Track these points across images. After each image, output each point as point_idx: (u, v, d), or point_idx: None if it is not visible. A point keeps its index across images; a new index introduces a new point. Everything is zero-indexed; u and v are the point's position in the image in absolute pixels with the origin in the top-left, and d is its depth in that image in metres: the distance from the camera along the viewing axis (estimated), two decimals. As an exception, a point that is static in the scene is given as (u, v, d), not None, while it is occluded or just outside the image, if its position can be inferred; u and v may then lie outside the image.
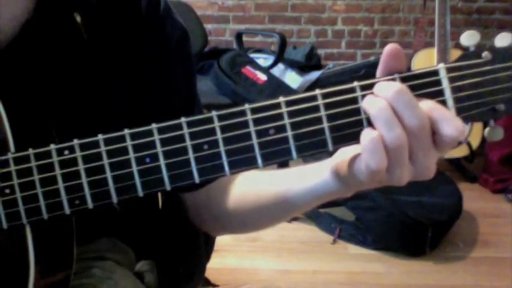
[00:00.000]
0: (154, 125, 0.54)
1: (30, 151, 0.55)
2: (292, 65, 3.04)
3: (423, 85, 0.53)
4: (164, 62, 0.75)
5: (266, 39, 3.60)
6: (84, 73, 0.69)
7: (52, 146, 0.55)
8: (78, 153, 0.55)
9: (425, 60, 2.80)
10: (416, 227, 2.12)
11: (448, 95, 0.53)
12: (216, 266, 1.78)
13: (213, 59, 2.82)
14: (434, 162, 0.54)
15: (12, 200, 0.55)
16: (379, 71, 0.55)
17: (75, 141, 0.55)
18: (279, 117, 0.53)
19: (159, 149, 0.54)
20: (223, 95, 2.63)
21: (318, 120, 0.53)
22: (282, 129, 0.53)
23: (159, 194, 0.80)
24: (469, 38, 0.55)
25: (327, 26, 3.69)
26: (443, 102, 0.53)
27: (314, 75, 2.87)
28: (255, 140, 0.53)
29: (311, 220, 2.40)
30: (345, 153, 0.57)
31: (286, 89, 2.60)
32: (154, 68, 0.74)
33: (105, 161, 0.55)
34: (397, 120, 0.51)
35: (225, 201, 0.74)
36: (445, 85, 0.53)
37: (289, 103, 0.53)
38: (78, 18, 0.68)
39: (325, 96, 0.53)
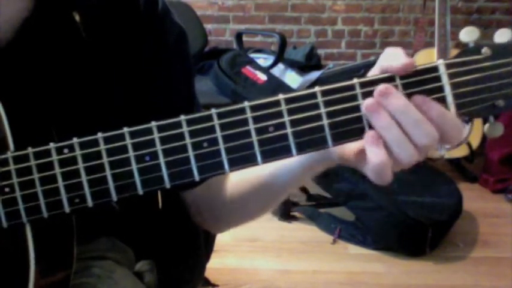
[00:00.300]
0: (153, 123, 0.54)
1: (30, 150, 0.55)
2: (292, 65, 3.03)
3: (423, 81, 0.53)
4: (164, 61, 0.75)
5: (266, 39, 3.60)
6: (83, 72, 0.69)
7: (51, 145, 0.55)
8: (78, 152, 0.55)
9: (425, 60, 2.75)
10: (416, 227, 2.12)
11: (448, 91, 0.53)
12: (216, 266, 1.78)
13: (213, 59, 2.82)
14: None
15: (12, 198, 0.55)
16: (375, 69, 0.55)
17: (75, 140, 0.55)
18: (279, 114, 0.53)
19: (159, 147, 0.54)
20: (223, 95, 2.63)
21: (318, 117, 0.53)
22: (281, 126, 0.53)
23: (159, 194, 0.80)
24: (469, 34, 0.55)
25: (327, 26, 3.69)
26: (443, 99, 0.53)
27: (314, 75, 2.86)
28: (254, 138, 0.54)
29: (311, 220, 2.40)
30: None
31: (286, 89, 2.59)
32: (154, 67, 0.74)
33: (105, 160, 0.55)
34: (407, 140, 0.52)
35: (221, 192, 0.74)
36: (445, 81, 0.53)
37: (288, 100, 0.53)
38: (77, 18, 0.68)
39: (324, 93, 0.53)
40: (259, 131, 0.54)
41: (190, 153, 0.54)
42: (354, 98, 0.53)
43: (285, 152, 0.54)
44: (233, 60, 2.69)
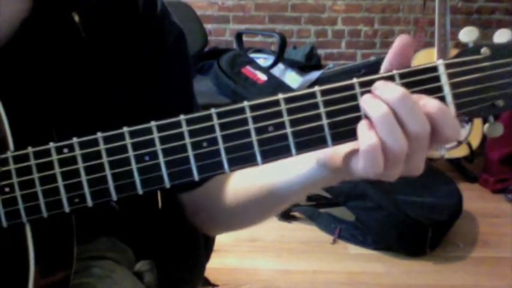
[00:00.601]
0: (153, 123, 0.54)
1: (30, 149, 0.55)
2: (292, 65, 3.04)
3: (422, 81, 0.53)
4: (163, 61, 0.75)
5: (266, 39, 3.60)
6: (82, 72, 0.69)
7: (51, 144, 0.55)
8: (78, 152, 0.55)
9: (425, 60, 2.77)
10: (416, 227, 2.12)
11: (447, 91, 0.53)
12: (216, 266, 1.78)
13: (213, 59, 2.82)
14: (424, 160, 0.54)
15: (11, 198, 0.55)
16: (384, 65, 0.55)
17: (75, 140, 0.55)
18: (278, 114, 0.53)
19: (159, 147, 0.54)
20: (223, 95, 2.63)
21: (317, 117, 0.53)
22: (281, 126, 0.53)
23: (159, 194, 0.80)
24: (468, 34, 0.55)
25: (327, 26, 3.69)
26: (442, 98, 0.53)
27: (314, 75, 2.87)
28: (254, 137, 0.53)
29: (311, 220, 2.40)
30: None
31: (286, 89, 2.60)
32: (154, 67, 0.74)
33: (105, 159, 0.55)
34: (399, 128, 0.51)
35: (220, 198, 0.74)
36: (444, 81, 0.53)
37: (288, 100, 0.53)
38: (77, 18, 0.68)
39: (324, 93, 0.53)
40: (259, 131, 0.53)
41: (190, 152, 0.54)
42: (353, 97, 0.53)
43: (284, 152, 0.54)
44: (233, 60, 2.69)
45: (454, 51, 2.77)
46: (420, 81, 0.53)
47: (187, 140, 0.54)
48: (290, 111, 0.53)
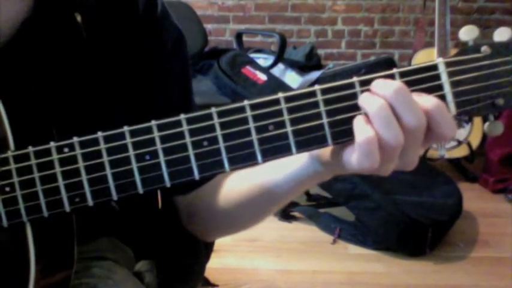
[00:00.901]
0: (153, 122, 0.54)
1: (30, 149, 0.55)
2: (292, 65, 3.04)
3: (422, 80, 0.53)
4: (163, 62, 0.75)
5: (266, 39, 3.60)
6: (83, 72, 0.70)
7: (52, 144, 0.55)
8: (78, 151, 0.55)
9: (425, 60, 2.79)
10: (416, 227, 2.12)
11: (447, 90, 0.53)
12: (216, 266, 1.78)
13: (213, 59, 2.82)
14: (418, 155, 0.54)
15: (12, 198, 0.55)
16: None
17: (75, 139, 0.55)
18: (279, 113, 0.53)
19: (159, 146, 0.54)
20: (223, 95, 2.63)
21: (317, 115, 0.53)
22: (281, 125, 0.53)
23: (159, 194, 0.80)
24: (468, 32, 0.55)
25: (327, 26, 3.69)
26: (443, 97, 0.53)
27: (314, 75, 2.87)
28: (254, 136, 0.53)
29: (311, 220, 2.40)
30: None
31: (286, 89, 2.56)
32: (154, 68, 0.74)
33: (105, 159, 0.55)
34: (395, 120, 0.51)
35: (214, 199, 0.74)
36: (444, 79, 0.53)
37: (288, 99, 0.53)
38: (79, 18, 0.68)
39: (324, 92, 0.53)
40: (259, 130, 0.53)
41: (190, 152, 0.54)
42: (353, 96, 0.53)
43: (284, 151, 0.54)
44: (233, 60, 2.69)
45: (454, 51, 2.75)
46: (420, 79, 0.53)
47: (188, 139, 0.54)
48: (290, 110, 0.53)
